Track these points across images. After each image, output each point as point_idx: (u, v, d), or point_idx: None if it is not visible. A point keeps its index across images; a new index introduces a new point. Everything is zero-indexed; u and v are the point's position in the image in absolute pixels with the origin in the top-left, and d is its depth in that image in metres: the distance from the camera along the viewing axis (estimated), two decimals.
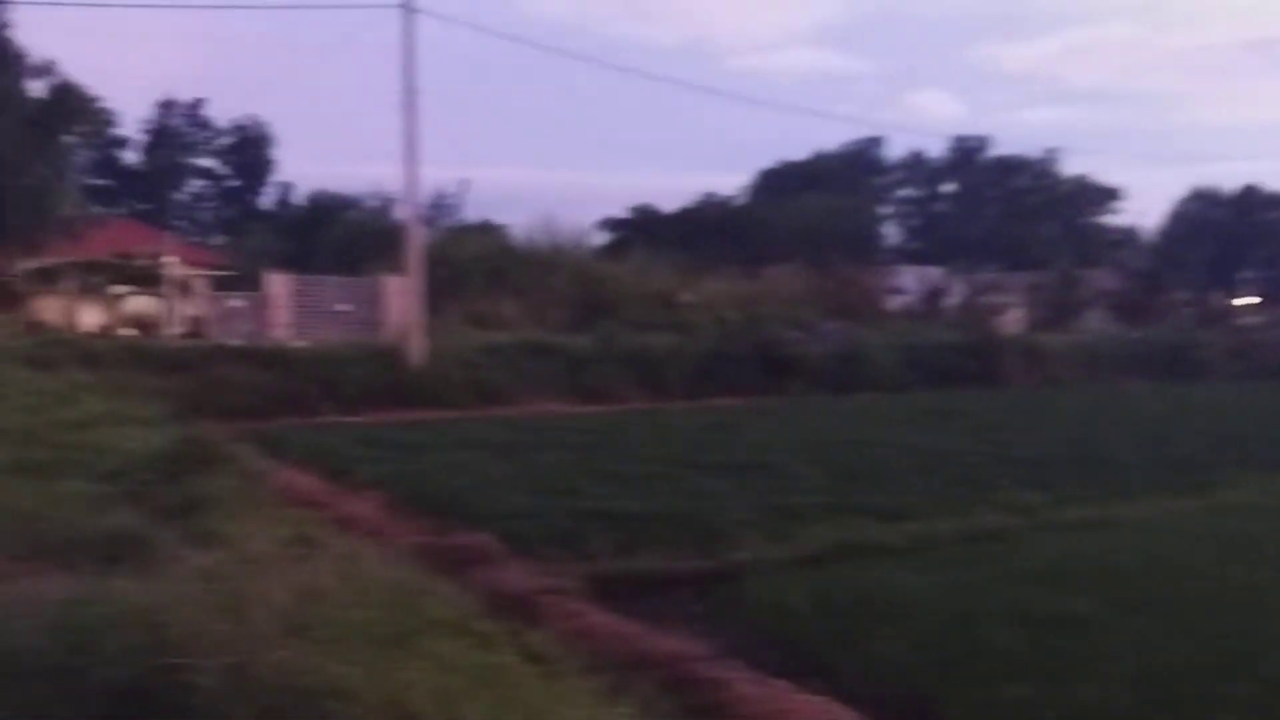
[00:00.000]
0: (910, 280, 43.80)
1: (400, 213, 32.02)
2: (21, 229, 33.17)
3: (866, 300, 37.31)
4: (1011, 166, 67.13)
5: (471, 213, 55.56)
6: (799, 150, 64.34)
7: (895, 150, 69.17)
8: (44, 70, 34.88)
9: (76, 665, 3.93)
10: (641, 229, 52.25)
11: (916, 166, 69.84)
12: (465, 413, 22.87)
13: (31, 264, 34.28)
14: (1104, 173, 67.42)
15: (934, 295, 40.74)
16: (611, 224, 54.99)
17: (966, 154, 68.16)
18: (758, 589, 8.20)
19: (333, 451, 15.87)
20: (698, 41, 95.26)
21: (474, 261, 36.44)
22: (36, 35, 36.00)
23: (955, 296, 40.84)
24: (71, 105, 35.24)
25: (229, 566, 5.27)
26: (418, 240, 26.45)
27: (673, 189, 76.89)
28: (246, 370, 23.61)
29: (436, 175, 47.29)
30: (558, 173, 75.60)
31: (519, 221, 49.36)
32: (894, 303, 40.56)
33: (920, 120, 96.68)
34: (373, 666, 3.74)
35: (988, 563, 8.77)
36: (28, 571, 6.81)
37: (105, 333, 31.05)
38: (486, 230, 47.67)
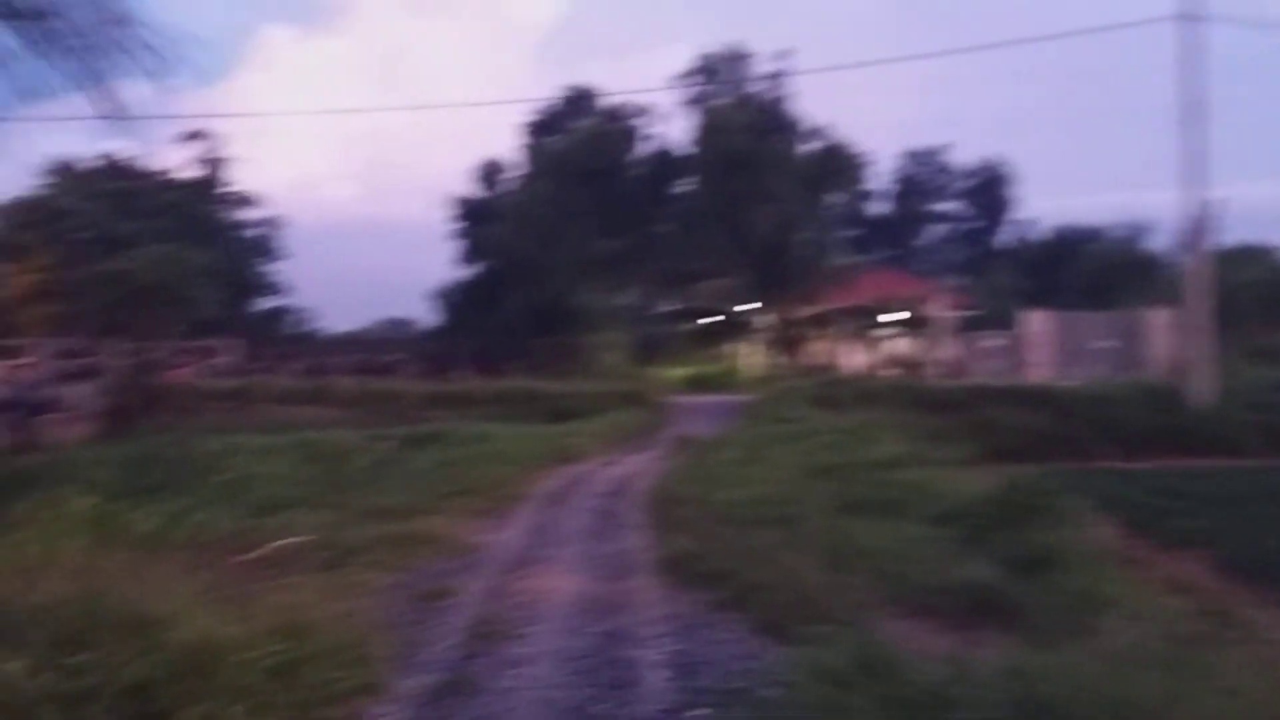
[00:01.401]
0: None
1: (1163, 240, 29.63)
2: (798, 280, 36.84)
3: None
4: None
5: (1231, 235, 49.79)
6: None
7: None
8: (814, 134, 38.58)
9: None
10: None
11: None
12: (1262, 461, 19.99)
13: (805, 311, 37.88)
14: None
15: None
16: None
17: None
18: None
19: (1127, 500, 14.72)
20: None
21: (1245, 289, 32.48)
22: (805, 101, 39.69)
23: None
24: (836, 164, 38.36)
25: (1155, 644, 4.69)
26: (1199, 269, 23.91)
27: None
28: (1012, 410, 23.23)
29: (1188, 196, 43.07)
30: None
31: None
32: None
33: None
34: None
35: None
36: (897, 617, 6.93)
37: (870, 373, 33.01)
38: (1254, 253, 42.29)
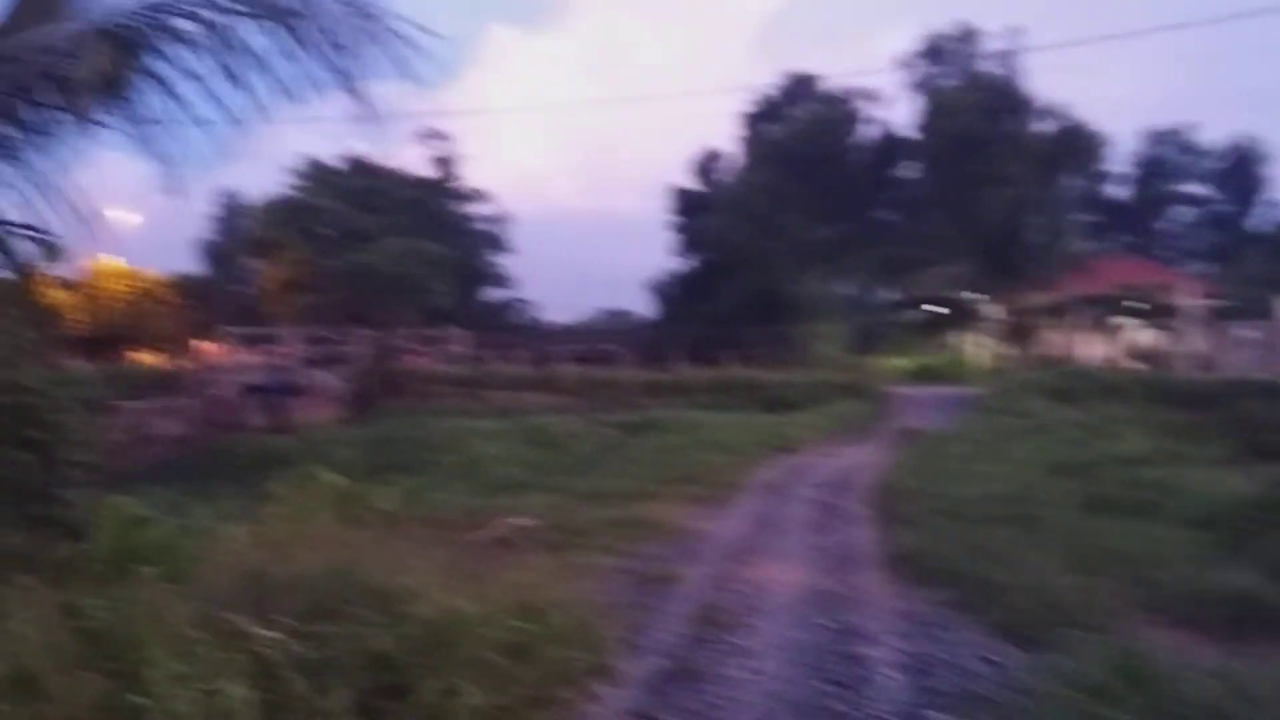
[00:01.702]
0: None
1: None
2: (1030, 267, 35.14)
3: None
4: None
5: None
6: None
7: None
8: (1048, 114, 36.66)
9: None
10: None
11: None
12: None
13: (1038, 300, 36.07)
14: None
15: None
16: None
17: None
18: None
19: None
20: None
21: None
22: (1038, 79, 37.88)
23: None
24: (1073, 145, 36.34)
25: None
26: None
27: None
28: (1273, 406, 21.35)
29: None
30: None
31: None
32: None
33: None
34: None
35: None
36: (1152, 625, 6.41)
37: (1110, 365, 31.12)
38: None
